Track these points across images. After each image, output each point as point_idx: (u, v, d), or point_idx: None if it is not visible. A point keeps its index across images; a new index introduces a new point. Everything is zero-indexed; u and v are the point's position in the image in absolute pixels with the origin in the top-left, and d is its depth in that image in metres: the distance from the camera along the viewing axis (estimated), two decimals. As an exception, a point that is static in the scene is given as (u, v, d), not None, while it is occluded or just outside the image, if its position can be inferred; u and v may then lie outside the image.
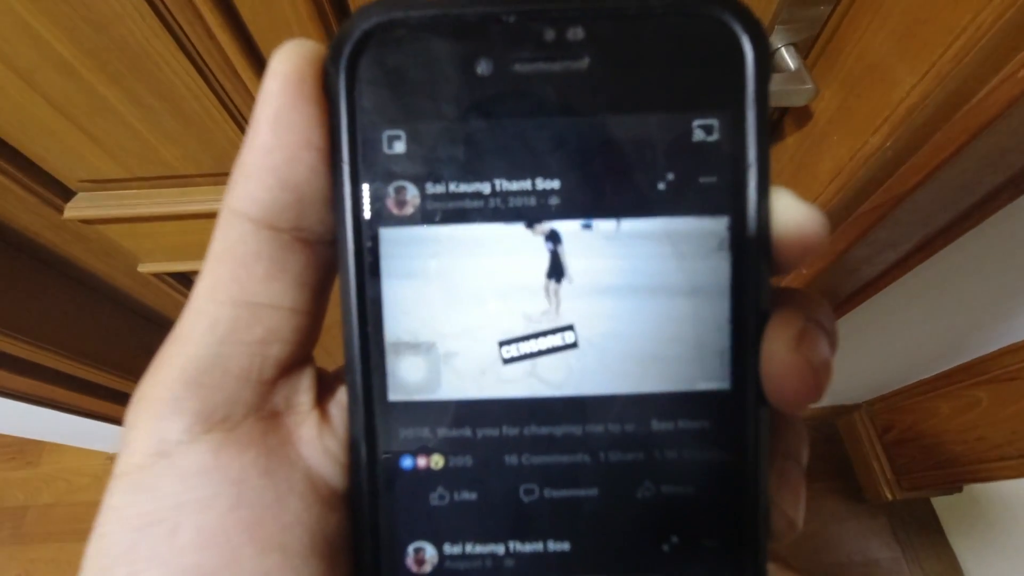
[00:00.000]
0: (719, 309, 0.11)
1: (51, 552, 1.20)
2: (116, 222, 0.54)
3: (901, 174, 0.36)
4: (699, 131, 0.11)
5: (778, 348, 0.11)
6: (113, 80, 0.39)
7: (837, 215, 0.42)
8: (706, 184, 0.11)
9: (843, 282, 0.53)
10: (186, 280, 0.67)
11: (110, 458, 1.28)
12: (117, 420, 0.84)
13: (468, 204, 0.11)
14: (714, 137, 0.11)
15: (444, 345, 0.12)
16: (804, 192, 0.44)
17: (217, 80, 0.40)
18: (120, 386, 0.75)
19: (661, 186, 0.11)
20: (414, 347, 0.12)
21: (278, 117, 0.11)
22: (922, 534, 1.22)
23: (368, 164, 0.11)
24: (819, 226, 0.11)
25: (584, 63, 0.10)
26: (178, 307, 0.68)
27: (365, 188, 0.11)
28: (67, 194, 0.51)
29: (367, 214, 0.12)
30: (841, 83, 0.39)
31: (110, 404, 0.77)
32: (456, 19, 0.11)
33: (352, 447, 0.12)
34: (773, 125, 0.47)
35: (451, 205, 0.11)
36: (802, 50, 0.40)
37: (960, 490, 1.16)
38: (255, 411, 0.11)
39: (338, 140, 0.11)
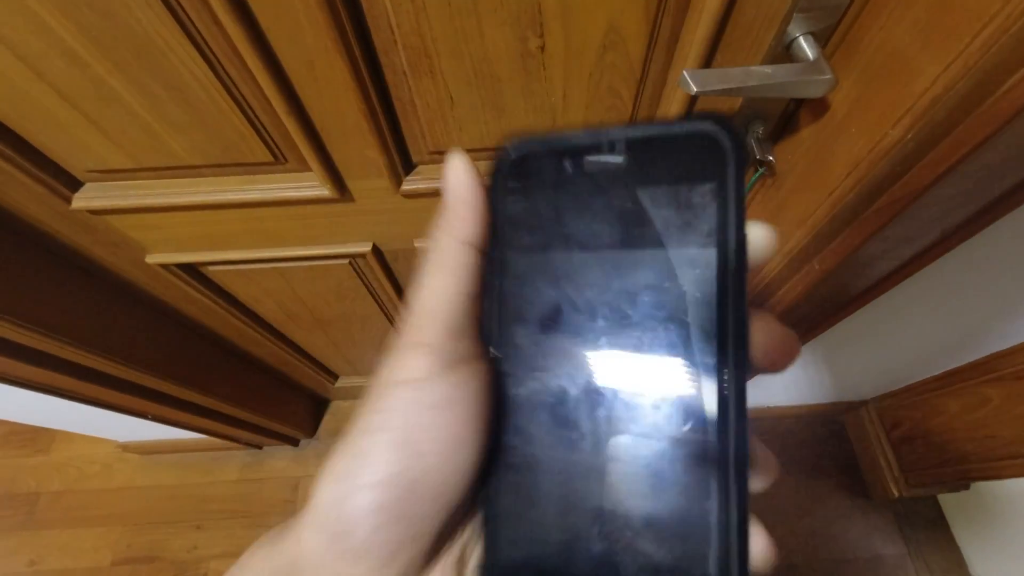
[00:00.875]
0: (713, 312, 0.15)
1: (62, 538, 1.22)
2: (124, 212, 0.54)
3: (921, 168, 0.35)
4: (698, 197, 0.16)
5: (770, 324, 0.16)
6: (119, 69, 0.38)
7: (853, 209, 0.41)
8: (705, 229, 0.16)
9: (855, 278, 0.53)
10: (193, 271, 0.67)
11: (119, 447, 1.29)
12: (125, 409, 0.84)
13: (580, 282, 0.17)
14: (710, 201, 0.15)
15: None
16: (819, 186, 0.43)
17: (224, 68, 0.39)
18: (128, 376, 0.75)
19: (679, 229, 0.16)
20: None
21: (448, 221, 0.17)
22: (928, 531, 1.21)
23: (509, 252, 0.18)
24: (771, 243, 0.16)
25: (626, 160, 0.16)
26: (186, 298, 0.68)
27: (506, 271, 0.18)
28: (75, 184, 0.51)
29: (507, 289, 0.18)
30: (860, 73, 0.38)
31: (119, 393, 0.77)
32: (570, 147, 0.17)
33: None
34: (788, 117, 0.46)
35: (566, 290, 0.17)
36: (821, 39, 0.39)
37: (968, 487, 1.15)
38: (466, 360, 0.17)
39: (491, 235, 0.18)
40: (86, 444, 1.32)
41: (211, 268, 0.67)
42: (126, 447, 1.29)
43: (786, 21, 0.37)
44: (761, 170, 0.47)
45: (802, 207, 0.46)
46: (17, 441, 1.35)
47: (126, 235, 0.58)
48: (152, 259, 0.62)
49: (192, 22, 0.35)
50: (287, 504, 1.24)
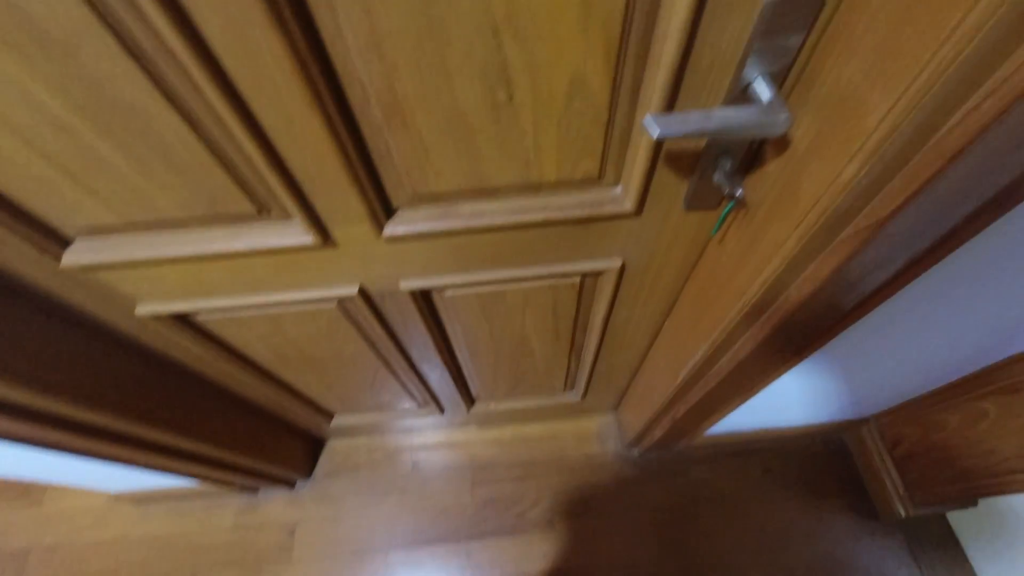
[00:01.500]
0: None
1: (52, 596, 1.18)
2: (112, 268, 0.55)
3: (878, 201, 0.36)
4: None
5: None
6: (106, 135, 0.40)
7: (821, 240, 0.42)
8: None
9: (835, 303, 0.53)
10: (183, 320, 0.67)
11: (111, 498, 1.27)
12: (118, 460, 0.83)
13: None
14: None
15: None
16: (787, 217, 0.44)
17: (206, 130, 0.41)
18: (120, 427, 0.75)
19: None
20: None
21: None
22: (939, 550, 1.18)
23: None
24: None
25: None
26: (177, 346, 0.68)
27: None
28: (64, 242, 0.52)
29: None
30: (817, 111, 0.39)
31: (111, 445, 0.76)
32: None
33: None
34: (755, 153, 0.47)
35: None
36: (777, 79, 0.41)
37: (975, 504, 1.13)
38: None
39: None
40: (79, 495, 1.30)
41: (200, 317, 0.67)
42: (119, 498, 1.26)
43: (741, 66, 0.39)
44: (731, 203, 0.48)
45: (774, 237, 0.47)
46: (10, 494, 1.32)
47: (115, 288, 0.59)
48: (142, 310, 0.63)
49: (174, 89, 0.37)
50: (283, 551, 1.21)
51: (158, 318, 0.65)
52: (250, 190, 0.47)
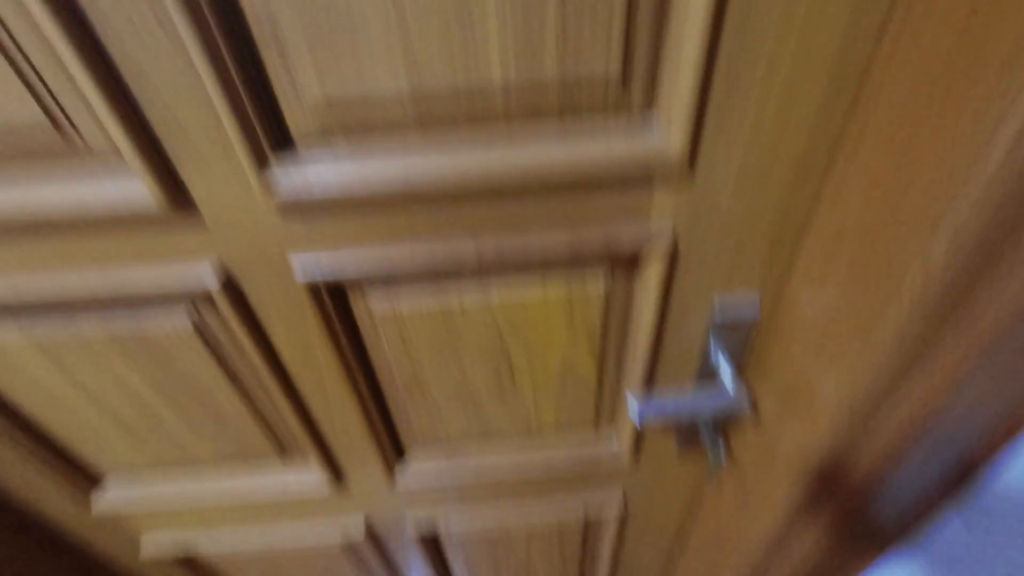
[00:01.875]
0: None
1: None
2: (139, 509, 0.57)
3: (850, 476, 0.40)
4: None
5: None
6: (173, 404, 0.47)
7: (807, 506, 0.45)
8: None
9: (842, 555, 0.53)
10: (189, 563, 0.67)
11: None
12: None
13: None
14: None
15: None
16: (771, 478, 0.47)
17: (255, 398, 0.48)
18: None
19: None
20: None
21: None
22: None
23: None
24: None
25: None
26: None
27: None
28: (95, 482, 0.56)
29: None
30: (775, 388, 0.46)
31: None
32: None
33: None
34: (730, 416, 0.53)
35: None
36: (737, 359, 0.48)
37: None
38: None
39: None
40: None
41: (203, 556, 0.67)
42: None
43: (705, 351, 0.47)
44: (717, 464, 0.52)
45: (762, 493, 0.49)
46: None
47: (121, 521, 0.61)
48: (147, 546, 0.63)
49: (238, 373, 0.45)
50: None
51: (160, 557, 0.64)
52: (279, 439, 0.53)
